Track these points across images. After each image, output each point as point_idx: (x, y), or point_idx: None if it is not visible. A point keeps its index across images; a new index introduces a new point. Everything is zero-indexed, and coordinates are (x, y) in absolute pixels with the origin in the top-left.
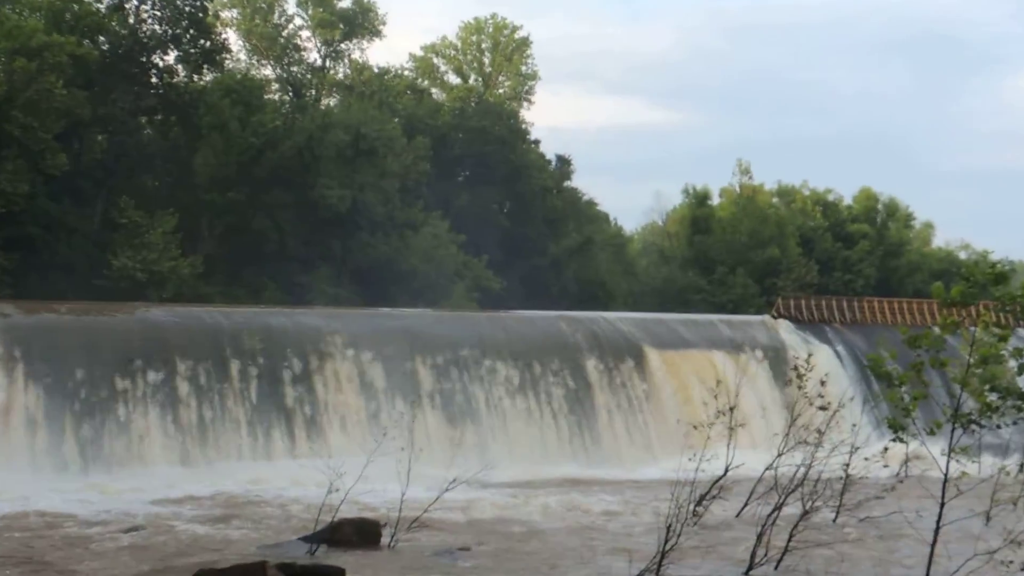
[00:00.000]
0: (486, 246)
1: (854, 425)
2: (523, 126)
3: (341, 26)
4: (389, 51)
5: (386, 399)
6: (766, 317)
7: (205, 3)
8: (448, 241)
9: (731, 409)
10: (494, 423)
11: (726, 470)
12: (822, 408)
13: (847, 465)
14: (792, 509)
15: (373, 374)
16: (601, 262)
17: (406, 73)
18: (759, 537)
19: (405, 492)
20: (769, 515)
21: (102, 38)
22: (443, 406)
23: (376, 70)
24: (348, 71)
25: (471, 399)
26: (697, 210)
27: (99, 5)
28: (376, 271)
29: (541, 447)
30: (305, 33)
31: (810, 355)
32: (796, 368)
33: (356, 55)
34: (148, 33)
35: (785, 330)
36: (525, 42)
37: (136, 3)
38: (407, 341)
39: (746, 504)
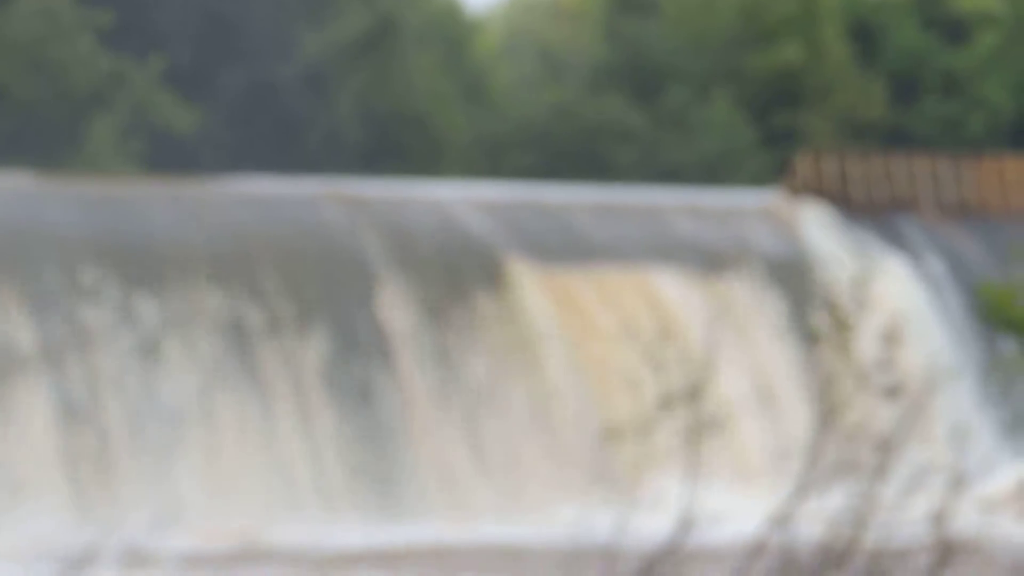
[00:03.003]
0: (162, 36)
1: (958, 429)
2: None
3: None
4: None
5: None
6: (775, 194)
7: None
8: (76, 23)
9: (693, 393)
10: (172, 427)
11: (681, 528)
12: (889, 394)
13: (940, 515)
14: None
15: None
16: (415, 74)
17: None
18: None
19: None
20: None
21: None
22: (59, 391)
23: None
24: None
25: (121, 376)
26: None
27: None
28: None
29: (274, 478)
30: None
31: (864, 276)
32: (834, 308)
33: None
34: None
35: (815, 223)
36: None
37: None
38: None
39: None
